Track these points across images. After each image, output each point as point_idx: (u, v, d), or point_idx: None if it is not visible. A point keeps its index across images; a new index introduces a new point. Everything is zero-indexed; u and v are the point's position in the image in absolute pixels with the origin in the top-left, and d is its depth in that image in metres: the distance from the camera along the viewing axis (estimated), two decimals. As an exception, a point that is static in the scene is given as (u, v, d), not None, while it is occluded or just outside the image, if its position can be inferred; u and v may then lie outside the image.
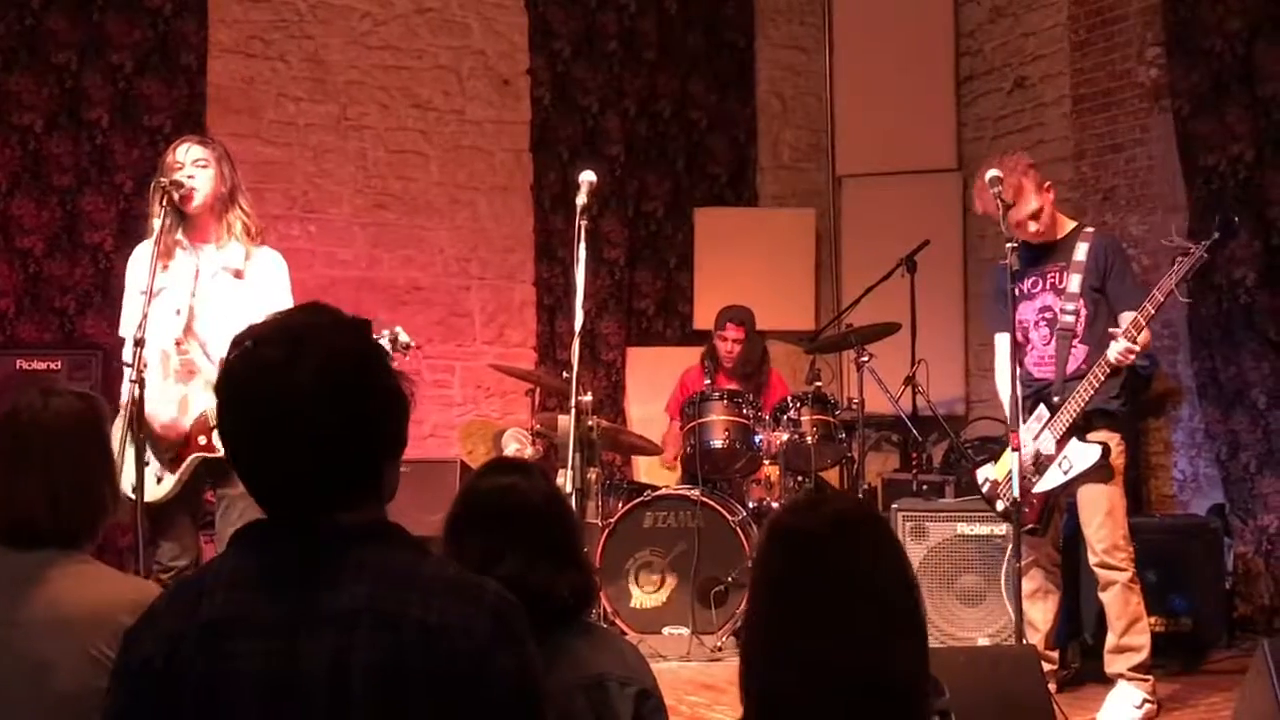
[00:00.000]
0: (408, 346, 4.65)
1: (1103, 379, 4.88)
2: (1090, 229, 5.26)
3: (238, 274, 4.66)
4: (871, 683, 1.81)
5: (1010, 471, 5.11)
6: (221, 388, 1.89)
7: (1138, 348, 4.80)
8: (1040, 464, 5.00)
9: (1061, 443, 5.00)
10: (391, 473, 1.93)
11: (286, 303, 4.71)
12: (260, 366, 1.84)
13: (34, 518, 2.58)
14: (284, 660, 1.75)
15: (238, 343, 1.90)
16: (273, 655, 1.76)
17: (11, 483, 2.61)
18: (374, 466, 1.90)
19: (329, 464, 1.83)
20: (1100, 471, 4.97)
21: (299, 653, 1.75)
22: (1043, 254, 5.19)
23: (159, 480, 4.57)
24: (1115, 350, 4.78)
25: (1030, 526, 4.97)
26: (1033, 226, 5.10)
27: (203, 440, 4.58)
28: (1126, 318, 4.91)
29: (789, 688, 1.84)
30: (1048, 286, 5.16)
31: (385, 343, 4.63)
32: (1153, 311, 4.77)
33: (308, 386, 1.82)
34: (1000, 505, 5.21)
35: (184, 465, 4.58)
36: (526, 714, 1.83)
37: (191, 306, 4.61)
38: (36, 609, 2.48)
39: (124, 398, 4.34)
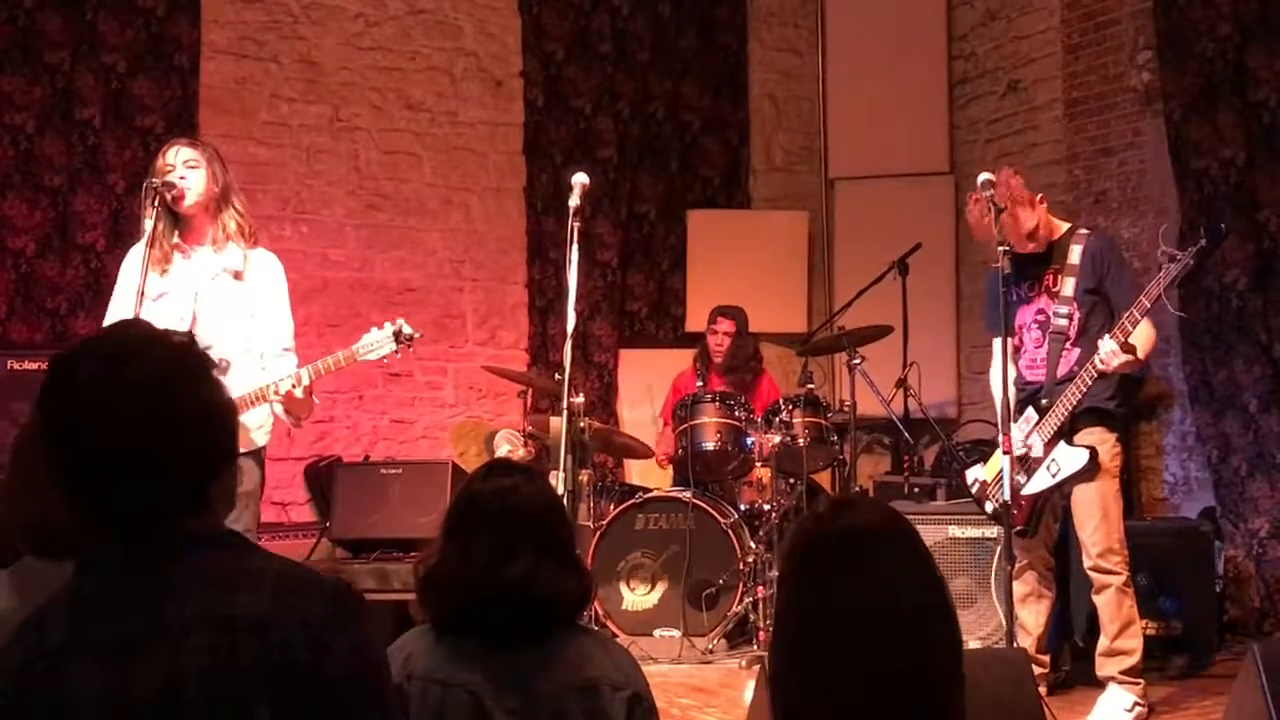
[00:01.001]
0: (411, 338, 4.65)
1: (1090, 382, 4.88)
2: (1085, 230, 5.25)
3: (237, 275, 4.65)
4: (903, 696, 1.79)
5: (1000, 473, 5.12)
6: (43, 404, 1.90)
7: (1126, 356, 4.77)
8: (1029, 466, 5.01)
9: (1050, 445, 4.99)
10: (222, 485, 1.95)
11: (285, 305, 4.72)
12: (79, 383, 1.86)
13: (61, 529, 2.53)
14: (122, 678, 1.76)
15: (59, 360, 1.91)
16: (111, 674, 1.77)
17: (41, 494, 2.57)
18: (198, 480, 1.90)
19: (149, 481, 1.85)
20: (1089, 474, 4.97)
21: (136, 668, 1.76)
22: (1039, 258, 5.18)
23: None
24: (1103, 349, 4.77)
25: (1019, 529, 4.96)
26: (1031, 245, 5.11)
27: None
28: (1126, 319, 4.91)
29: (817, 698, 1.82)
30: (1043, 290, 5.17)
31: (389, 335, 4.62)
32: (1139, 318, 4.74)
33: (122, 403, 1.83)
34: (989, 506, 5.22)
35: None
36: (368, 697, 1.84)
37: (194, 311, 4.61)
38: None
39: None
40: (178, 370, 1.90)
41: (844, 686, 1.80)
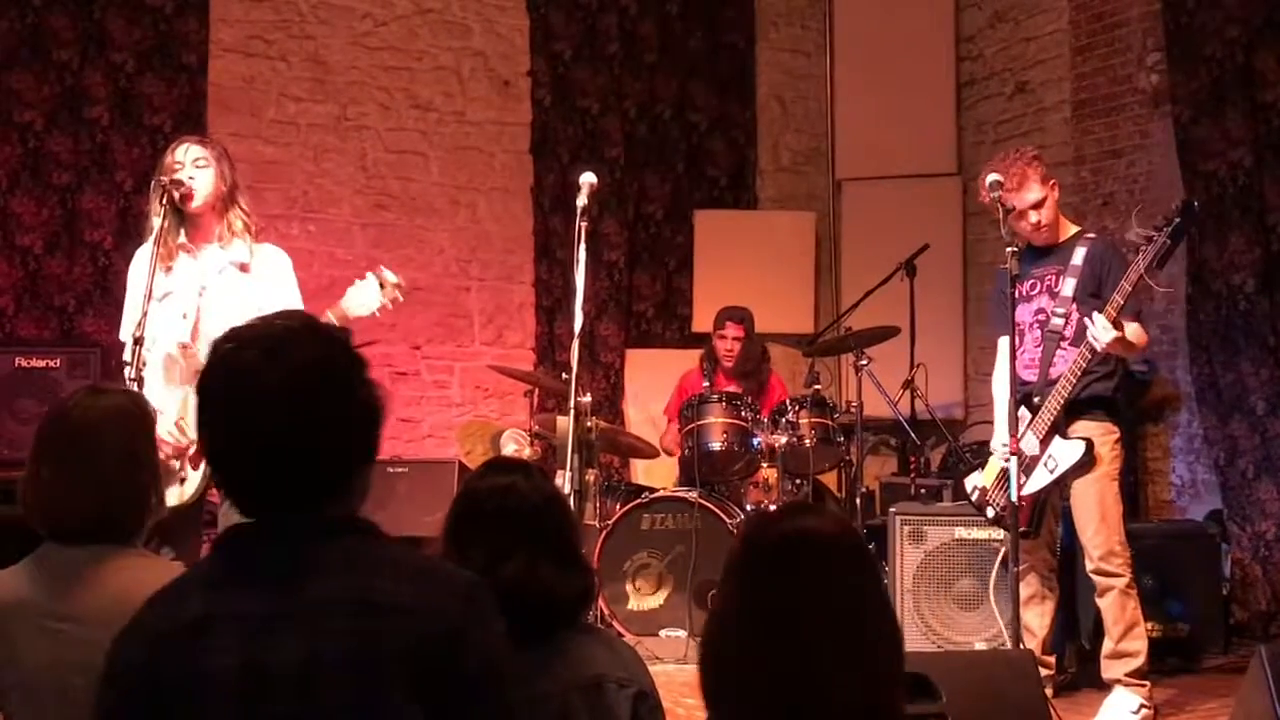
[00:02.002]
0: (397, 285, 4.64)
1: (1081, 370, 4.85)
2: (1091, 234, 5.25)
3: (243, 267, 4.66)
4: (809, 711, 1.80)
5: (998, 478, 5.13)
6: (200, 388, 1.95)
7: (1116, 332, 4.71)
8: (1026, 465, 4.97)
9: (1045, 442, 4.98)
10: (363, 478, 1.99)
11: (294, 297, 4.73)
12: (236, 369, 1.90)
13: (83, 514, 2.60)
14: (260, 652, 1.80)
15: (219, 345, 1.96)
16: (249, 648, 1.80)
17: (60, 479, 2.63)
18: (341, 472, 1.95)
19: (296, 468, 1.89)
20: (1086, 467, 4.96)
21: (274, 644, 1.80)
22: (1043, 257, 5.18)
23: (182, 481, 4.53)
24: (1095, 324, 4.72)
25: (1022, 529, 4.96)
26: (1034, 216, 5.06)
27: None
28: (1127, 324, 4.90)
29: (755, 691, 1.83)
30: (1044, 289, 5.16)
31: (374, 286, 4.62)
32: (1121, 302, 4.70)
33: (277, 391, 1.88)
34: (990, 512, 5.20)
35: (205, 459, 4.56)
36: (497, 691, 1.88)
37: (200, 307, 4.61)
38: (102, 601, 2.50)
39: None
40: (330, 365, 1.94)
41: (785, 683, 1.81)
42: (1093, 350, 4.80)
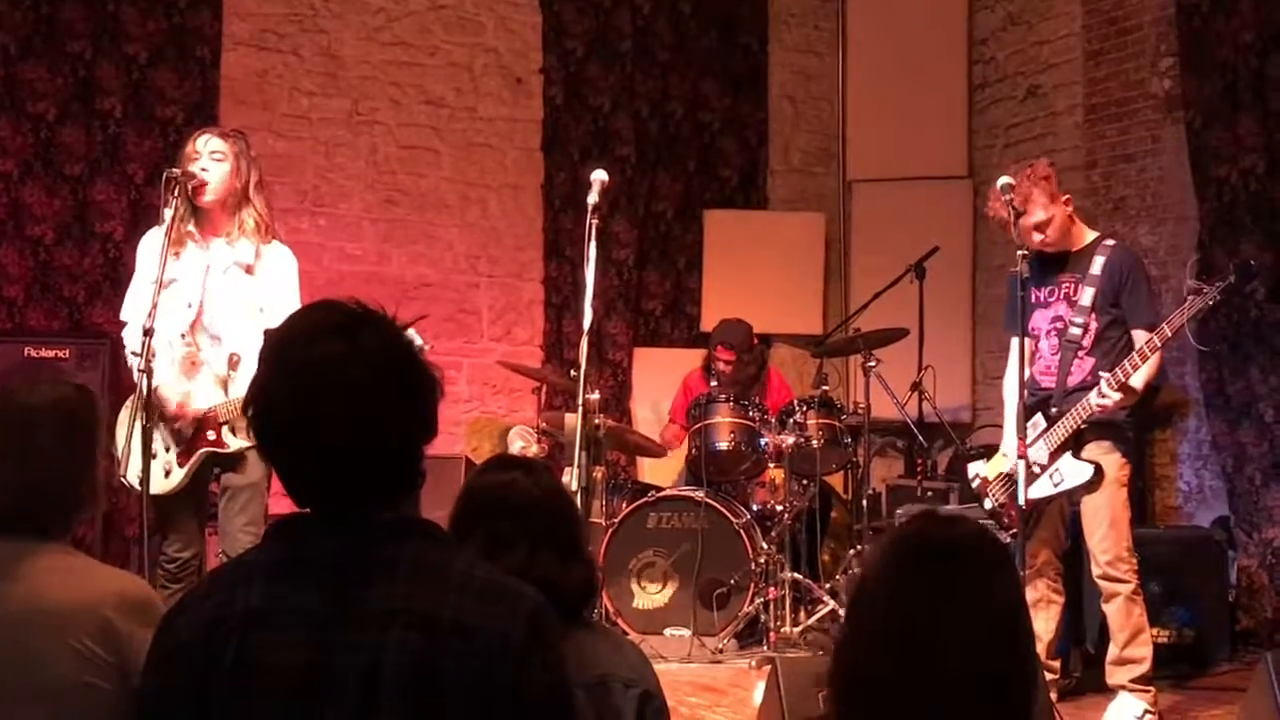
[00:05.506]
0: (420, 349, 4.65)
1: (1089, 413, 4.89)
2: (1110, 241, 5.23)
3: (248, 269, 4.68)
4: (995, 692, 1.80)
5: (1000, 473, 5.17)
6: (263, 376, 1.90)
7: (1119, 395, 4.79)
8: (1031, 472, 4.97)
9: (1055, 455, 5.00)
10: (421, 467, 1.95)
11: (294, 298, 4.74)
12: (307, 357, 1.85)
13: (3, 503, 2.50)
14: (318, 655, 1.77)
15: (281, 333, 1.91)
16: (307, 649, 1.77)
17: None
18: (412, 459, 1.92)
19: (374, 458, 1.86)
20: (1091, 488, 4.98)
21: (333, 648, 1.77)
22: (1061, 264, 5.17)
23: (167, 474, 4.60)
24: (1094, 397, 4.83)
25: (1013, 531, 4.97)
26: (1037, 237, 5.06)
27: (211, 436, 4.62)
28: (1140, 336, 4.91)
29: (888, 677, 1.82)
30: (1062, 297, 5.15)
31: None
32: (1159, 345, 4.78)
33: (363, 379, 1.84)
34: (988, 504, 5.25)
35: (193, 459, 4.61)
36: (560, 716, 1.84)
37: (201, 300, 4.63)
38: (17, 600, 2.41)
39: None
40: (408, 347, 1.92)
41: (942, 680, 1.80)
42: (1100, 406, 4.85)
